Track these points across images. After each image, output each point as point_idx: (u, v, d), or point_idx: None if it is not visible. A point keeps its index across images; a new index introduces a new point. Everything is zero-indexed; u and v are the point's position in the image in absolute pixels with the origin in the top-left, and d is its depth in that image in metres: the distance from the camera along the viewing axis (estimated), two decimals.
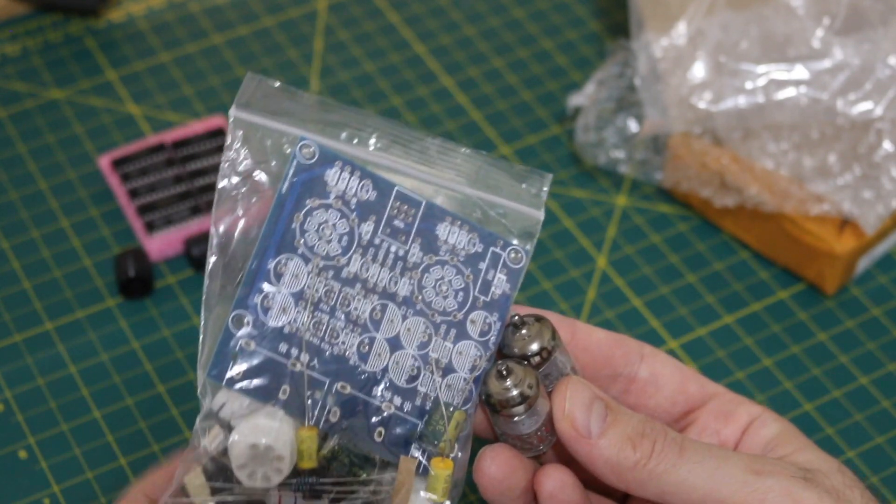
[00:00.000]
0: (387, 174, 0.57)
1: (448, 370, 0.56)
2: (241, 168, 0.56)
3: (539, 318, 0.57)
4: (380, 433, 0.55)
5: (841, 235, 0.78)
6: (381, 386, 0.56)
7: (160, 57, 0.92)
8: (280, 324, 0.55)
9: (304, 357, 0.55)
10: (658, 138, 0.83)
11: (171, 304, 0.79)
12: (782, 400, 0.76)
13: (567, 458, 0.57)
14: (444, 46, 0.93)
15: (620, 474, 0.55)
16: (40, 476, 0.72)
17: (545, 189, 0.59)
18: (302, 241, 0.55)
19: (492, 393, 0.56)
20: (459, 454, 0.56)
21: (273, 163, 0.56)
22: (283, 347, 0.55)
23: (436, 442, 0.55)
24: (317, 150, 0.56)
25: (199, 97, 0.90)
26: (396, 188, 0.57)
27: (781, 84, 0.81)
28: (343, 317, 0.55)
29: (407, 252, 0.57)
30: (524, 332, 0.57)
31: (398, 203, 0.57)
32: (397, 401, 0.56)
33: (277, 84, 0.57)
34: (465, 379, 0.56)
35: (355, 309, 0.56)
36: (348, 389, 0.55)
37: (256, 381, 0.54)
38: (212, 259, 0.55)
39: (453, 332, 0.57)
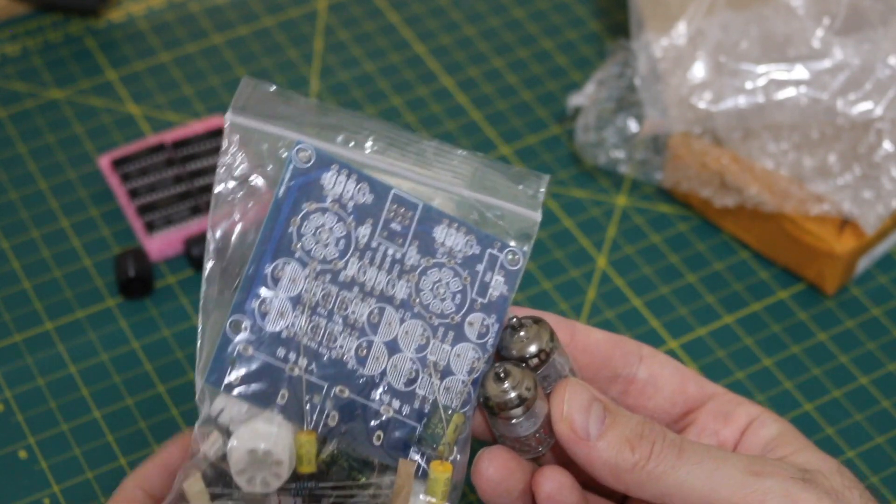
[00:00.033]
0: (384, 177, 0.57)
1: (446, 373, 0.56)
2: (237, 172, 0.56)
3: (537, 320, 0.57)
4: (378, 437, 0.55)
5: (841, 235, 0.78)
6: (380, 389, 0.55)
7: (160, 57, 0.92)
8: (278, 328, 0.55)
9: (303, 361, 0.55)
10: (658, 138, 0.83)
11: (171, 304, 0.79)
12: (782, 400, 0.76)
13: (566, 460, 0.57)
14: (444, 46, 0.93)
15: (619, 476, 0.55)
16: (40, 476, 0.72)
17: (542, 190, 0.59)
18: (299, 244, 0.55)
19: (489, 395, 0.56)
20: (458, 456, 0.56)
21: (269, 167, 0.56)
22: (280, 352, 0.55)
23: (434, 445, 0.55)
24: (313, 153, 0.56)
25: (199, 97, 0.90)
26: (393, 191, 0.57)
27: (781, 84, 0.81)
28: (341, 320, 0.55)
29: (404, 255, 0.57)
30: (522, 333, 0.57)
31: (395, 206, 0.57)
32: (396, 404, 0.56)
33: (273, 88, 0.57)
34: (463, 381, 0.56)
35: (353, 312, 0.56)
36: (347, 393, 0.55)
37: (255, 386, 0.54)
38: (209, 264, 0.55)
39: (451, 334, 0.57)
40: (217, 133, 0.85)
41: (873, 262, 0.82)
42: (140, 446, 0.73)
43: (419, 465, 0.55)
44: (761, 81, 0.81)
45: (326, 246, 0.56)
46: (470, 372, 0.56)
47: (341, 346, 0.55)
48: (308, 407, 0.54)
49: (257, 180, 0.56)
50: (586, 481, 0.57)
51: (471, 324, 0.57)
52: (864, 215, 0.79)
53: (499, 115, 0.90)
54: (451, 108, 0.90)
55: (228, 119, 0.56)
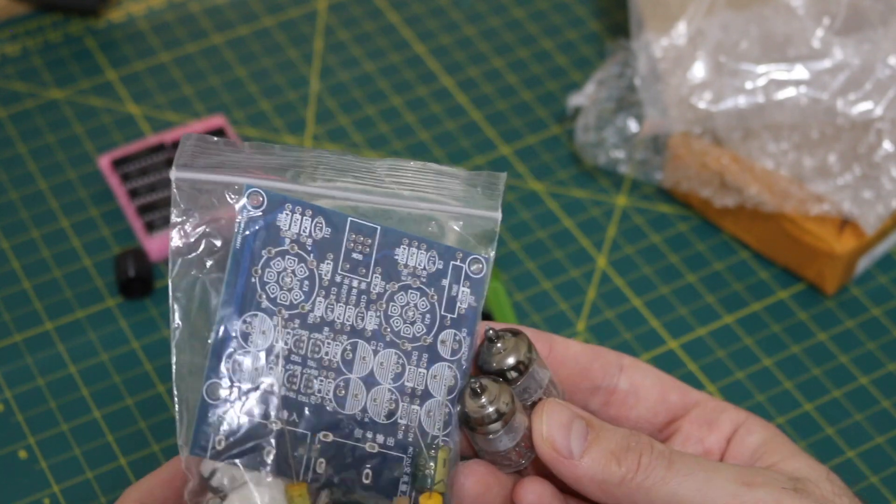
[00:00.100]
0: (339, 203, 0.56)
1: (425, 396, 0.56)
2: (191, 229, 0.55)
3: (515, 332, 0.56)
4: (367, 475, 0.55)
5: (841, 235, 0.78)
6: (362, 426, 0.55)
7: (160, 57, 0.92)
8: (255, 385, 0.54)
9: (283, 414, 0.54)
10: (658, 138, 0.83)
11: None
12: (782, 400, 0.76)
13: (547, 470, 0.56)
14: (444, 46, 0.93)
15: (608, 491, 0.55)
16: (40, 476, 0.72)
17: (501, 188, 0.58)
18: (263, 295, 0.54)
19: (467, 411, 0.55)
20: (445, 479, 0.55)
21: (222, 219, 0.55)
22: (260, 409, 0.54)
23: (430, 486, 0.55)
24: (264, 196, 0.55)
25: (199, 97, 0.90)
26: (349, 219, 0.56)
27: (781, 84, 0.81)
28: (315, 364, 0.55)
29: (369, 284, 0.56)
30: (500, 345, 0.56)
31: (353, 235, 0.56)
32: (380, 438, 0.55)
33: (216, 139, 0.55)
34: (442, 403, 0.56)
35: (326, 354, 0.55)
36: (331, 437, 0.55)
37: (240, 448, 0.54)
38: (176, 331, 0.54)
39: (425, 356, 0.56)
40: (217, 133, 0.85)
41: (873, 262, 0.82)
42: (140, 446, 0.73)
43: (412, 500, 0.55)
44: (761, 81, 0.81)
45: (291, 290, 0.55)
46: (448, 391, 0.56)
47: (319, 391, 0.55)
48: (294, 459, 0.54)
49: (212, 234, 0.55)
50: (567, 488, 0.57)
51: (443, 342, 0.56)
52: (864, 215, 0.79)
53: (499, 115, 0.90)
54: (451, 108, 0.90)
55: (173, 176, 0.54)
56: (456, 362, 0.56)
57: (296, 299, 0.55)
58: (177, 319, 0.54)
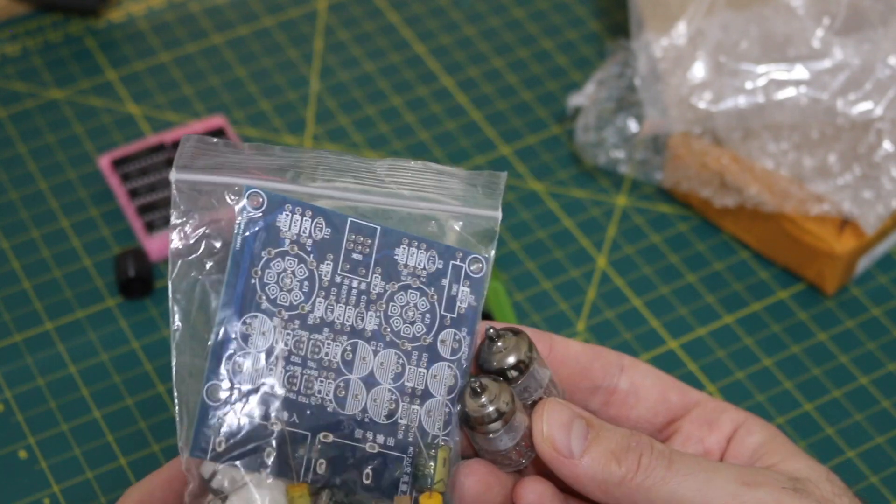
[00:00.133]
0: (339, 204, 0.56)
1: (425, 396, 0.56)
2: (191, 231, 0.55)
3: (516, 332, 0.56)
4: (368, 475, 0.55)
5: (841, 235, 0.78)
6: (363, 427, 0.55)
7: (160, 57, 0.92)
8: (255, 386, 0.54)
9: (283, 415, 0.54)
10: (658, 138, 0.83)
11: None
12: (782, 400, 0.76)
13: (547, 469, 0.56)
14: (444, 46, 0.93)
15: (608, 490, 0.54)
16: (40, 476, 0.72)
17: (501, 187, 0.57)
18: (263, 296, 0.54)
19: (467, 410, 0.55)
20: (445, 479, 0.55)
21: (222, 221, 0.55)
22: (261, 410, 0.54)
23: (430, 486, 0.55)
24: (264, 197, 0.55)
25: (199, 97, 0.90)
26: (349, 219, 0.56)
27: (781, 84, 0.81)
28: (315, 365, 0.55)
29: (369, 284, 0.56)
30: (500, 345, 0.56)
31: (353, 235, 0.56)
32: (380, 439, 0.55)
33: (215, 140, 0.55)
34: (442, 402, 0.56)
35: (326, 354, 0.55)
36: (331, 438, 0.54)
37: (241, 450, 0.53)
38: (177, 333, 0.54)
39: (425, 356, 0.56)
40: (217, 133, 0.85)
41: (873, 262, 0.82)
42: (140, 446, 0.73)
43: (414, 498, 0.55)
44: (761, 81, 0.81)
45: (291, 291, 0.55)
46: (448, 391, 0.56)
47: (319, 391, 0.55)
48: (295, 460, 0.54)
49: (212, 235, 0.55)
50: (567, 487, 0.57)
51: (443, 341, 0.56)
52: (864, 215, 0.79)
53: (499, 115, 0.90)
54: (451, 108, 0.90)
55: (173, 178, 0.54)
56: (456, 362, 0.56)
57: (296, 300, 0.55)
58: (177, 321, 0.54)
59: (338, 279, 0.55)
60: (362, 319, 0.55)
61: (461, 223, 0.57)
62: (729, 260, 0.82)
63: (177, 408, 0.54)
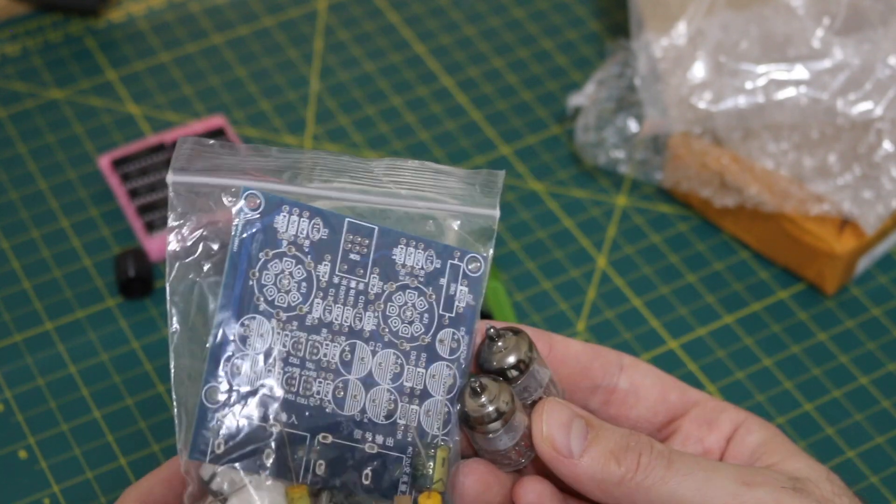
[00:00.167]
0: (336, 205, 0.56)
1: (424, 396, 0.56)
2: (188, 233, 0.54)
3: (516, 331, 0.56)
4: (367, 475, 0.55)
5: (841, 235, 0.78)
6: (361, 427, 0.55)
7: (160, 57, 0.92)
8: (253, 388, 0.54)
9: (282, 416, 0.54)
10: (658, 138, 0.83)
11: None
12: (782, 400, 0.76)
13: (546, 469, 0.56)
14: (444, 46, 0.93)
15: (607, 490, 0.54)
16: (40, 476, 0.72)
17: (499, 186, 0.57)
18: (261, 297, 0.54)
19: (467, 410, 0.55)
20: (444, 479, 0.55)
21: (220, 222, 0.55)
22: (259, 412, 0.54)
23: (429, 485, 0.55)
24: (262, 198, 0.55)
25: (199, 97, 0.90)
26: (347, 220, 0.55)
27: (781, 84, 0.81)
28: (313, 366, 0.55)
29: (367, 285, 0.56)
30: (501, 344, 0.56)
31: (351, 235, 0.55)
32: (379, 439, 0.55)
33: (212, 142, 0.55)
34: (441, 402, 0.56)
35: (324, 355, 0.55)
36: (330, 439, 0.54)
37: (240, 452, 0.53)
38: (175, 335, 0.54)
39: (424, 356, 0.56)
40: (217, 133, 0.85)
41: (873, 262, 0.82)
42: (140, 446, 0.73)
43: (413, 498, 0.55)
44: (761, 81, 0.81)
45: (289, 292, 0.55)
46: (447, 391, 0.56)
47: (318, 392, 0.54)
48: (294, 461, 0.54)
49: (210, 237, 0.55)
50: (566, 487, 0.57)
51: (441, 341, 0.56)
52: (864, 215, 0.79)
53: (499, 115, 0.90)
54: (451, 108, 0.90)
55: (170, 180, 0.54)
56: (455, 361, 0.56)
57: (294, 301, 0.55)
58: (175, 324, 0.54)
59: (336, 280, 0.55)
60: (360, 320, 0.55)
61: (459, 222, 0.57)
62: (729, 260, 0.82)
63: (175, 410, 0.54)
